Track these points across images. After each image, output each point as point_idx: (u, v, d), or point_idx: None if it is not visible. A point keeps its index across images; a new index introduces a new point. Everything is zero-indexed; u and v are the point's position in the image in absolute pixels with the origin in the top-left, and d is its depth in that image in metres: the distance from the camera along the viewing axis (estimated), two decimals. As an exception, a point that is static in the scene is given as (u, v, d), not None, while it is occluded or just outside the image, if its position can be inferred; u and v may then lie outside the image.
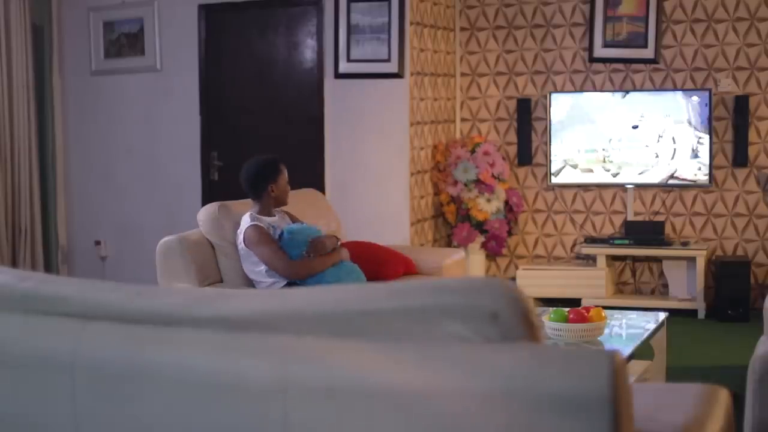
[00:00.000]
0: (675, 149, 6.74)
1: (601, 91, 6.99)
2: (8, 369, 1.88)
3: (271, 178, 4.78)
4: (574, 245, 7.16)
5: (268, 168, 4.81)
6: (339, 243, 4.88)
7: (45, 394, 1.82)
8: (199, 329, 1.76)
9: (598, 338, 3.85)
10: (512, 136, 7.23)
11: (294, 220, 4.95)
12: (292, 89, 6.85)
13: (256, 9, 6.91)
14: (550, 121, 6.97)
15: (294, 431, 1.63)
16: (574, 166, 6.95)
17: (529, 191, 7.23)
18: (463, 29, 7.31)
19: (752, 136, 6.70)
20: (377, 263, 5.16)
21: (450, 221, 7.07)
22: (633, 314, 4.55)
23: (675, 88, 6.81)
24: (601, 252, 6.75)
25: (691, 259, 6.58)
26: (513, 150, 7.23)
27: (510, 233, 7.13)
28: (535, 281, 6.77)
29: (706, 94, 6.65)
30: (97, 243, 7.37)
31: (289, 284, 4.68)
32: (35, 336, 1.87)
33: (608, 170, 6.89)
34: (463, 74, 7.33)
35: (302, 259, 4.69)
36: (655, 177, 6.79)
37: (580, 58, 7.05)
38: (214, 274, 4.83)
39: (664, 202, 6.91)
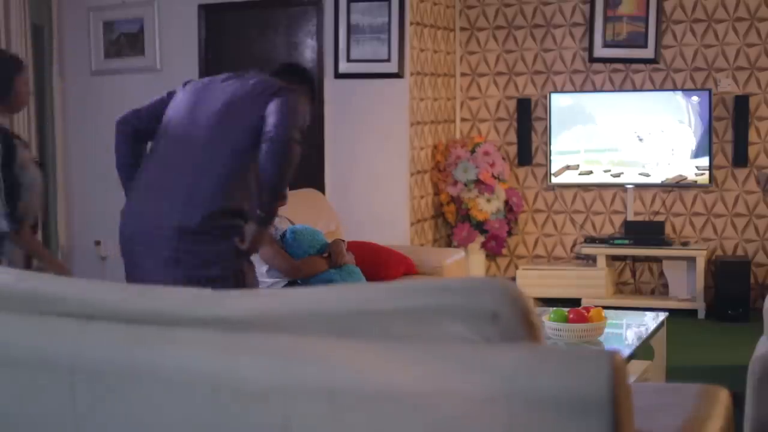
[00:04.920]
0: (675, 149, 6.75)
1: (601, 91, 6.99)
2: (8, 369, 1.88)
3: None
4: (574, 245, 7.16)
5: None
6: (346, 246, 4.89)
7: (45, 394, 1.83)
8: (199, 329, 1.76)
9: (598, 338, 3.85)
10: (512, 136, 7.23)
11: (292, 224, 4.95)
12: (292, 89, 6.84)
13: (256, 9, 6.91)
14: (550, 121, 6.97)
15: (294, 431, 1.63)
16: (575, 167, 6.95)
17: (529, 191, 7.23)
18: (463, 29, 7.31)
19: (752, 136, 6.70)
20: (377, 263, 5.16)
21: (450, 221, 7.07)
22: (633, 314, 4.55)
23: (675, 88, 6.81)
24: (601, 252, 6.75)
25: (691, 259, 6.58)
26: (513, 150, 7.23)
27: (510, 233, 7.13)
28: (535, 281, 6.77)
29: (706, 94, 6.65)
30: (97, 243, 7.37)
31: (290, 284, 4.68)
32: (35, 336, 1.87)
33: (608, 170, 6.90)
34: (463, 74, 7.34)
35: (304, 259, 4.69)
36: (655, 177, 6.79)
37: (580, 58, 7.06)
38: (214, 274, 4.82)
39: (664, 202, 6.91)
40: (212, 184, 3.45)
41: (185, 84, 3.79)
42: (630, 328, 4.18)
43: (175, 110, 3.67)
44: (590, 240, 6.89)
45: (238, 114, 3.54)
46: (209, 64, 7.03)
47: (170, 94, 3.77)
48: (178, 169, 3.51)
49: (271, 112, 3.46)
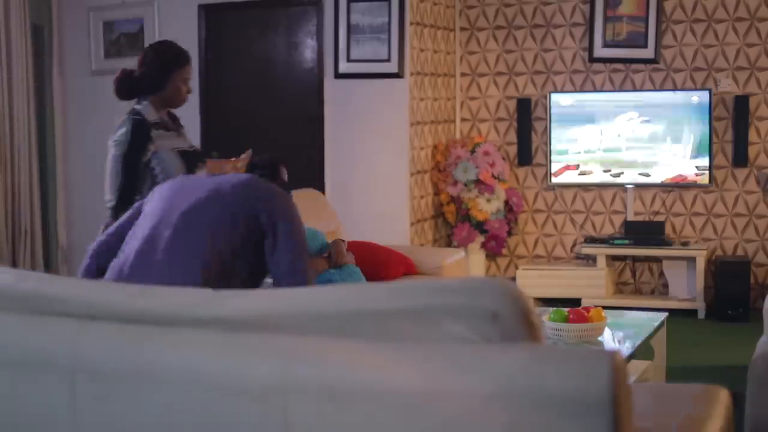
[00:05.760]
0: (675, 149, 6.74)
1: (601, 91, 6.99)
2: (8, 369, 1.88)
3: None
4: (574, 245, 7.16)
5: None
6: (346, 246, 4.89)
7: (45, 394, 1.83)
8: (199, 329, 1.76)
9: (598, 338, 3.85)
10: (512, 136, 7.23)
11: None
12: (292, 89, 6.85)
13: (256, 9, 6.91)
14: (550, 121, 6.97)
15: (294, 431, 1.63)
16: (575, 166, 6.95)
17: (529, 191, 7.23)
18: (463, 29, 7.31)
19: (752, 136, 6.70)
20: (377, 263, 5.16)
21: (450, 221, 7.07)
22: (633, 314, 4.55)
23: (675, 88, 6.81)
24: (601, 252, 6.75)
25: (691, 259, 6.58)
26: (513, 150, 7.23)
27: (510, 233, 7.13)
28: (535, 281, 6.77)
29: (706, 94, 6.65)
30: (97, 243, 7.36)
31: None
32: (35, 336, 1.87)
33: (608, 170, 6.90)
34: (463, 74, 7.33)
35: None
36: (655, 177, 6.79)
37: (580, 58, 7.06)
38: (214, 274, 4.82)
39: (664, 202, 6.91)
40: (186, 273, 3.00)
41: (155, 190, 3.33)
42: (630, 328, 4.18)
43: (144, 218, 3.19)
44: (590, 240, 6.89)
45: (209, 215, 3.06)
46: (209, 64, 7.03)
47: (142, 206, 3.31)
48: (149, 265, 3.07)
49: (281, 253, 3.01)
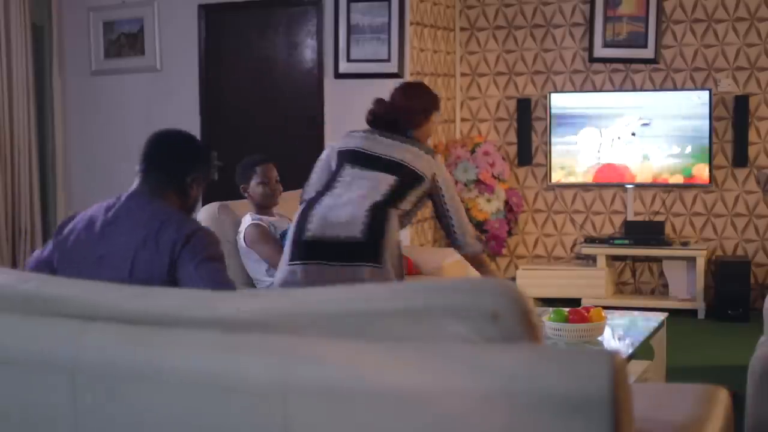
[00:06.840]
0: (675, 149, 6.74)
1: (601, 91, 6.98)
2: (9, 370, 1.88)
3: (241, 180, 4.78)
4: (574, 245, 7.16)
5: (240, 169, 4.81)
6: None
7: (45, 395, 1.83)
8: (199, 329, 1.76)
9: (598, 338, 3.85)
10: (512, 136, 7.23)
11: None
12: (292, 89, 6.85)
13: (256, 9, 6.91)
14: (550, 121, 6.97)
15: (294, 431, 1.63)
16: (575, 166, 6.95)
17: (529, 191, 7.23)
18: (463, 29, 7.31)
19: (752, 136, 6.70)
20: (377, 263, 5.14)
21: (450, 221, 7.06)
22: (633, 314, 4.55)
23: (675, 88, 6.81)
24: (601, 252, 6.75)
25: (691, 259, 6.58)
26: (513, 150, 7.23)
27: (510, 233, 7.13)
28: (535, 281, 6.77)
29: (706, 94, 6.64)
30: (97, 243, 7.36)
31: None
32: (36, 337, 1.87)
33: (608, 170, 6.89)
34: (463, 74, 7.33)
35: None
36: (655, 177, 6.79)
37: (580, 58, 7.05)
38: (214, 274, 4.82)
39: (664, 202, 6.91)
40: None
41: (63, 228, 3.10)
42: (630, 328, 4.18)
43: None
44: (590, 240, 6.88)
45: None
46: (209, 64, 7.03)
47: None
48: None
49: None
